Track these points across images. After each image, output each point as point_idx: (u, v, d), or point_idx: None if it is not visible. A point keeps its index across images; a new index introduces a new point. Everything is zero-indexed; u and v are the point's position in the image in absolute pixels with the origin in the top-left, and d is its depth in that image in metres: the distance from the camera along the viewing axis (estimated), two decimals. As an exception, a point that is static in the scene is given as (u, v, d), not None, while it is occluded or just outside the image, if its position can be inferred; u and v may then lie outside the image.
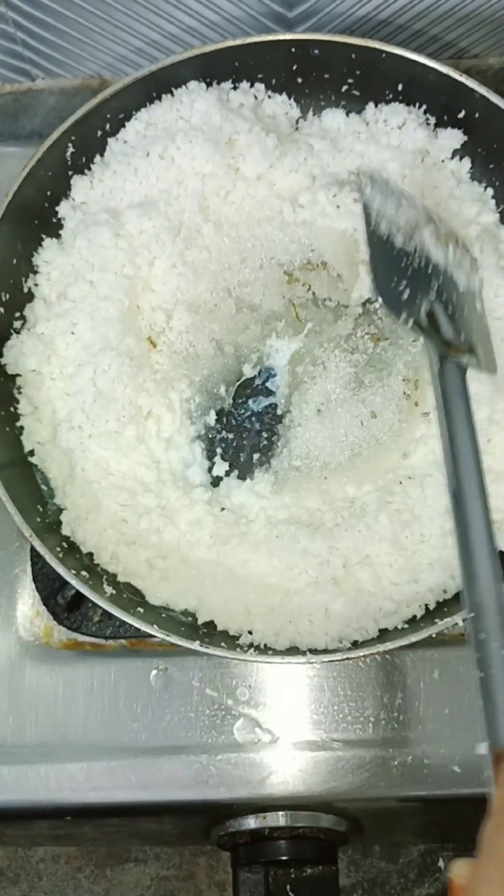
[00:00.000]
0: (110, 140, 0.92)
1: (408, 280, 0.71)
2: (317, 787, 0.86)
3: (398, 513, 0.81)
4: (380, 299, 0.71)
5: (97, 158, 0.92)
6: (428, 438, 0.85)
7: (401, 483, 0.83)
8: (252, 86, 0.92)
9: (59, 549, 0.80)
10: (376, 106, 0.93)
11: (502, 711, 0.54)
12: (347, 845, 0.94)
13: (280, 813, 0.88)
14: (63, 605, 0.87)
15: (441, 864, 1.14)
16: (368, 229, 0.74)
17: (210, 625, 0.81)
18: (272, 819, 0.88)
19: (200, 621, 0.81)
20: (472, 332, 0.73)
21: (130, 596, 0.81)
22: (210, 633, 0.80)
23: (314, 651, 0.78)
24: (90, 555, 0.82)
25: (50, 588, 0.88)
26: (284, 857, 0.88)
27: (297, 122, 0.95)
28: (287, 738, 0.87)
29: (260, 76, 0.92)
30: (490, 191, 0.91)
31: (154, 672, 0.89)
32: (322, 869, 0.89)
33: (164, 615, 0.81)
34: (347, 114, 0.94)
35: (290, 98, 0.94)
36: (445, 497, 0.80)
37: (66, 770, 0.87)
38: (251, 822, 0.88)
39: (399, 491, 0.83)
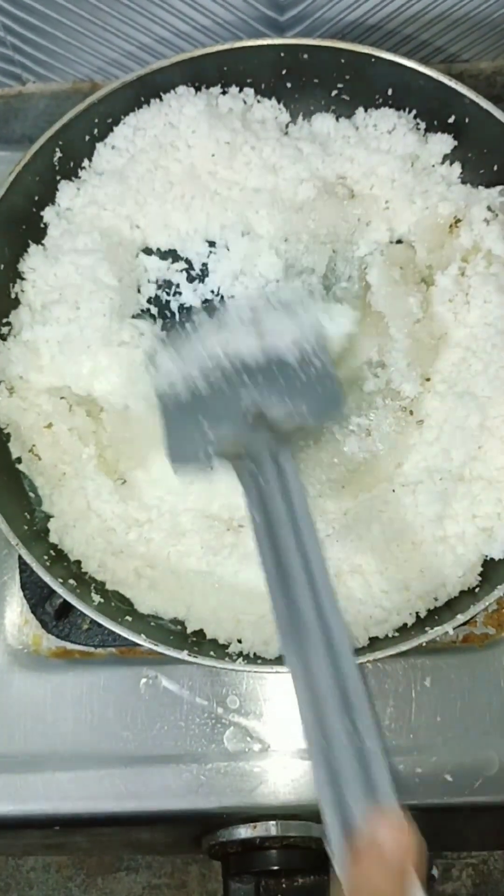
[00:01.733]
0: (98, 145, 0.91)
1: (210, 415, 0.74)
2: (308, 796, 0.86)
3: (391, 521, 0.80)
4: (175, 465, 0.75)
5: (85, 163, 0.91)
6: (420, 445, 0.84)
7: (394, 491, 0.83)
8: (241, 90, 0.92)
9: (46, 557, 0.79)
10: (366, 111, 0.92)
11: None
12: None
13: (271, 823, 0.87)
14: (51, 613, 0.87)
15: (434, 872, 1.13)
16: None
17: (199, 633, 0.80)
18: (263, 829, 0.87)
19: (189, 630, 0.80)
20: (304, 390, 0.75)
21: (119, 604, 0.80)
22: (199, 641, 0.80)
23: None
24: (78, 563, 0.82)
25: (38, 596, 0.88)
26: (276, 867, 0.87)
27: (286, 126, 0.94)
28: (278, 747, 0.87)
29: (249, 81, 0.91)
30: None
31: (143, 680, 0.89)
32: (314, 879, 0.88)
33: (152, 623, 0.81)
34: (337, 118, 0.93)
35: (279, 103, 0.93)
36: (437, 504, 0.80)
37: (55, 779, 0.87)
38: (242, 832, 0.87)
39: (392, 499, 0.82)
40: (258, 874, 0.87)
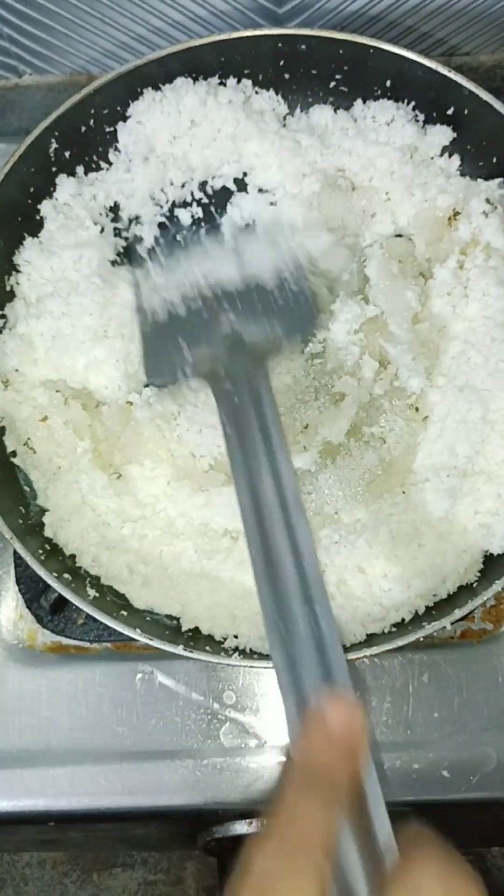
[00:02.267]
0: (94, 137, 0.90)
1: (190, 337, 0.77)
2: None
3: (399, 525, 0.80)
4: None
5: (81, 155, 0.90)
6: (425, 442, 0.83)
7: (404, 493, 0.82)
8: (239, 81, 0.91)
9: (41, 551, 0.79)
10: (364, 102, 0.92)
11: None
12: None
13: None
14: (46, 608, 0.86)
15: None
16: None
17: (195, 629, 0.79)
18: (259, 825, 0.86)
19: (184, 627, 0.79)
20: (280, 313, 0.78)
21: (114, 599, 0.80)
22: (195, 636, 0.79)
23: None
24: (73, 557, 0.81)
25: (34, 590, 0.87)
26: (272, 864, 0.86)
27: (284, 118, 0.94)
28: (274, 743, 0.86)
29: (247, 72, 0.91)
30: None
31: (139, 675, 0.88)
32: (310, 875, 0.87)
33: (148, 618, 0.80)
34: (335, 110, 0.92)
35: (277, 94, 0.92)
36: (445, 501, 0.79)
37: (50, 775, 0.86)
38: (238, 828, 0.87)
39: (402, 501, 0.81)
40: (254, 871, 0.87)
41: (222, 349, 0.76)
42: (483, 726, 0.86)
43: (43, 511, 0.82)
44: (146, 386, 0.85)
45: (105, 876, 1.27)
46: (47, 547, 0.81)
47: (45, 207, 0.89)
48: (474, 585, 0.79)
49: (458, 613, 0.74)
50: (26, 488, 0.84)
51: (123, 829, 1.02)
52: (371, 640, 0.77)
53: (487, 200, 0.84)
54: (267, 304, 0.79)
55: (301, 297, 0.80)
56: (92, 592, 0.78)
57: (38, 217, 0.89)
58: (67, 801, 0.86)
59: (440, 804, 0.86)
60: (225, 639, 0.79)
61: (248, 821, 0.87)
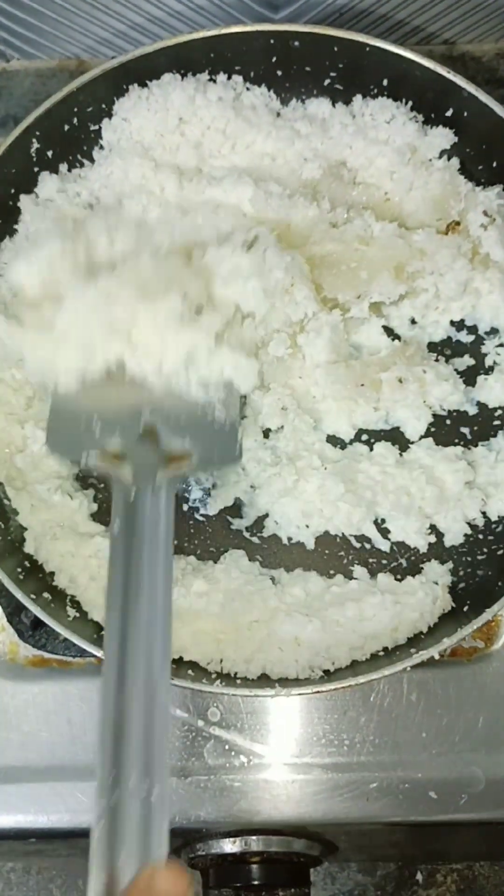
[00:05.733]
0: (77, 135, 0.87)
1: (104, 416, 0.71)
2: (290, 811, 0.84)
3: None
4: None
5: (65, 154, 0.87)
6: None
7: None
8: (230, 78, 0.87)
9: (20, 569, 0.77)
10: (363, 98, 0.88)
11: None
12: (321, 866, 0.92)
13: (252, 837, 0.85)
14: (27, 623, 0.84)
15: (419, 877, 1.12)
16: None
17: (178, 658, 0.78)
18: (244, 843, 0.85)
19: None
20: (203, 432, 0.72)
21: (94, 620, 0.78)
22: (178, 659, 0.77)
23: (284, 681, 0.75)
24: (53, 574, 0.79)
25: (15, 604, 0.85)
26: (256, 882, 0.86)
27: (278, 114, 0.90)
28: (259, 761, 0.85)
29: (237, 68, 0.87)
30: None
31: (123, 691, 0.86)
32: (294, 892, 0.86)
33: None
34: (334, 104, 0.89)
35: (269, 90, 0.89)
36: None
37: (31, 791, 0.85)
38: (222, 846, 0.86)
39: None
40: (238, 888, 0.86)
41: (134, 438, 0.71)
42: (472, 746, 0.85)
43: (23, 528, 0.80)
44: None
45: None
46: (27, 564, 0.79)
47: (25, 205, 0.86)
48: (464, 609, 0.77)
49: (446, 642, 0.72)
50: (6, 502, 0.81)
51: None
52: (356, 666, 0.76)
53: (485, 213, 0.81)
54: (192, 416, 0.72)
55: (228, 428, 0.73)
56: (72, 612, 0.77)
57: (18, 216, 0.86)
58: (48, 817, 0.84)
59: (427, 825, 0.84)
60: (209, 663, 0.77)
61: (232, 839, 0.85)
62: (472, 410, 0.84)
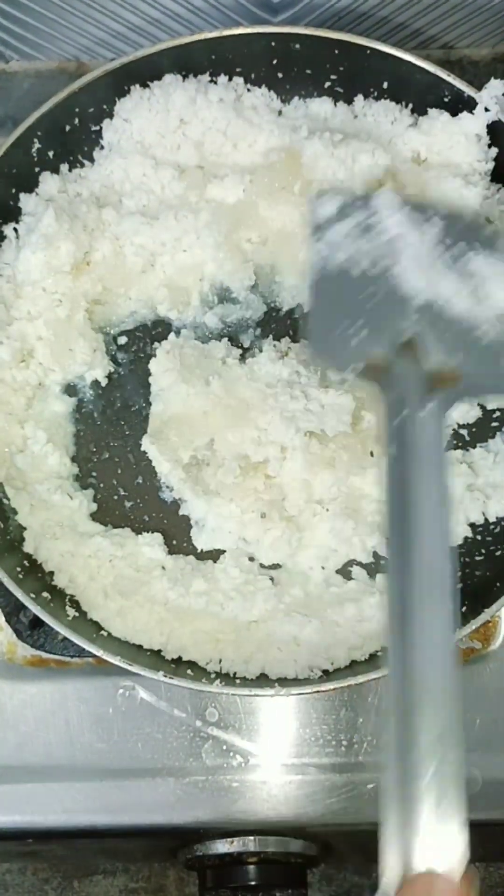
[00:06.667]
0: (79, 135, 0.87)
1: (370, 320, 0.63)
2: (288, 812, 0.84)
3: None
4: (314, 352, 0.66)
5: (65, 154, 0.87)
6: None
7: None
8: (230, 79, 0.88)
9: (19, 568, 0.77)
10: (365, 99, 0.88)
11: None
12: (318, 867, 0.92)
13: (249, 838, 0.85)
14: (26, 623, 0.84)
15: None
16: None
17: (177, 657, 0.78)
18: (241, 844, 0.85)
19: (168, 658, 0.77)
20: (473, 350, 0.62)
21: (94, 619, 0.78)
22: (177, 660, 0.77)
23: (283, 681, 0.75)
24: (52, 574, 0.79)
25: (13, 604, 0.85)
26: (253, 882, 0.86)
27: (279, 113, 0.90)
28: (257, 762, 0.85)
29: (238, 70, 0.87)
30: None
31: (120, 691, 0.87)
32: (291, 893, 0.87)
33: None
34: (335, 103, 0.89)
35: (270, 91, 0.89)
36: None
37: (28, 792, 0.85)
38: (219, 847, 0.86)
39: None
40: (235, 889, 0.86)
41: (399, 350, 0.62)
42: (469, 748, 0.83)
43: (23, 527, 0.80)
44: None
45: (86, 883, 1.26)
46: (26, 564, 0.79)
47: (27, 204, 0.86)
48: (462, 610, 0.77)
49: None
50: (5, 501, 0.81)
51: (104, 843, 1.01)
52: (355, 666, 0.76)
53: (487, 219, 0.81)
54: (459, 330, 0.63)
55: (500, 349, 0.63)
56: (71, 612, 0.77)
57: (19, 215, 0.86)
58: (44, 817, 0.84)
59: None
60: (208, 663, 0.77)
61: (229, 839, 0.85)
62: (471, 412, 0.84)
